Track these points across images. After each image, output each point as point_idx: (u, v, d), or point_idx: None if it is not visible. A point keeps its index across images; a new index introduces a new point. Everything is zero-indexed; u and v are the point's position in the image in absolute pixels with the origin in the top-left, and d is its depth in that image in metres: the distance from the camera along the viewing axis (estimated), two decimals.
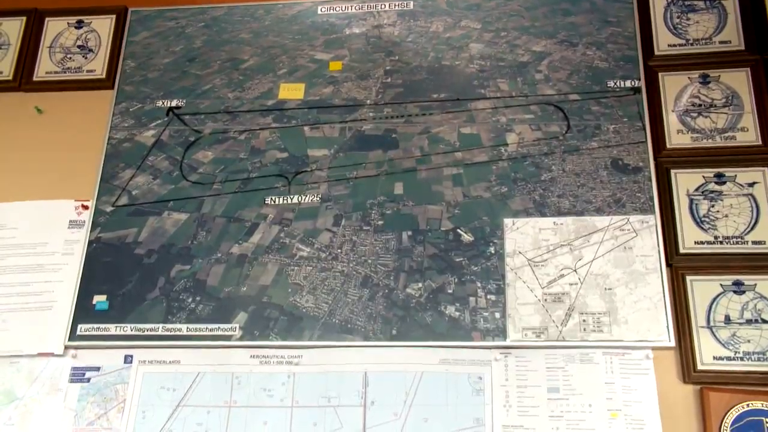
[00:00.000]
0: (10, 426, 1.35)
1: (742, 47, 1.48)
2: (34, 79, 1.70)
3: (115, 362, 1.38)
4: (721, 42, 1.50)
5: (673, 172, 1.40)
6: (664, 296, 1.29)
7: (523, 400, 1.26)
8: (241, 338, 1.36)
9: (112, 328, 1.40)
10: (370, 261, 1.40)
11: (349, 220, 1.44)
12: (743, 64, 1.47)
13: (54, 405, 1.35)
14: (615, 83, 1.50)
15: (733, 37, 1.49)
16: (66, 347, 1.40)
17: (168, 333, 1.38)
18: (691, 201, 1.37)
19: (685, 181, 1.38)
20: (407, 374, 1.30)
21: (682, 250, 1.33)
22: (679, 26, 1.52)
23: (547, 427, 1.24)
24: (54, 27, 1.76)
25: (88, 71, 1.69)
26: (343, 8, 1.69)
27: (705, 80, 1.47)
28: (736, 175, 1.38)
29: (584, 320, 1.30)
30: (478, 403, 1.27)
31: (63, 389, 1.36)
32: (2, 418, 1.36)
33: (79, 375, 1.37)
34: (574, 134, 1.47)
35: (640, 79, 1.50)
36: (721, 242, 1.33)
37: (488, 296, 1.34)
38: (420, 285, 1.36)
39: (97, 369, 1.37)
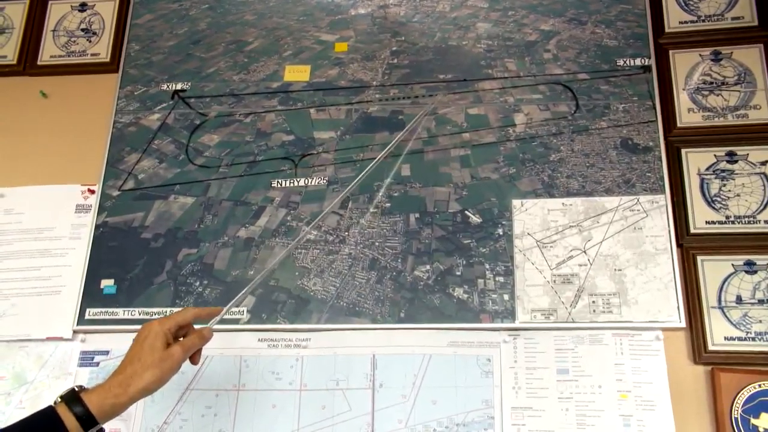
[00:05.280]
0: (20, 409, 1.35)
1: (755, 23, 1.45)
2: (39, 63, 1.70)
3: (124, 346, 1.32)
4: (733, 18, 1.47)
5: (683, 151, 1.38)
6: (674, 277, 1.28)
7: (532, 382, 1.26)
8: (248, 322, 1.36)
9: (120, 312, 1.40)
10: (377, 243, 1.39)
11: (356, 203, 1.43)
12: (756, 40, 1.44)
13: (63, 389, 1.35)
14: (625, 62, 1.48)
15: (745, 12, 1.46)
16: (75, 331, 1.40)
17: None
18: (702, 180, 1.35)
19: (696, 161, 1.37)
20: (415, 357, 1.30)
21: (692, 230, 1.32)
22: (691, 2, 1.50)
23: (556, 409, 1.23)
24: (57, 10, 1.75)
25: (92, 55, 1.68)
26: None
27: (717, 57, 1.44)
28: (748, 154, 1.36)
29: (594, 301, 1.29)
30: (487, 385, 1.27)
31: (72, 373, 1.37)
32: (13, 401, 1.37)
33: (88, 359, 1.38)
34: (583, 114, 1.45)
35: (650, 57, 1.47)
36: (732, 222, 1.31)
37: (497, 278, 1.33)
38: (428, 267, 1.36)
39: (106, 353, 1.38)
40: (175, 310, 1.37)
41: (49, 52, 1.70)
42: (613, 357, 1.25)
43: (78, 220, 1.51)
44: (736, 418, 1.18)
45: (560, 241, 1.34)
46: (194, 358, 1.10)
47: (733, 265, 1.28)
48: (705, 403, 1.22)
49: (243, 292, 1.25)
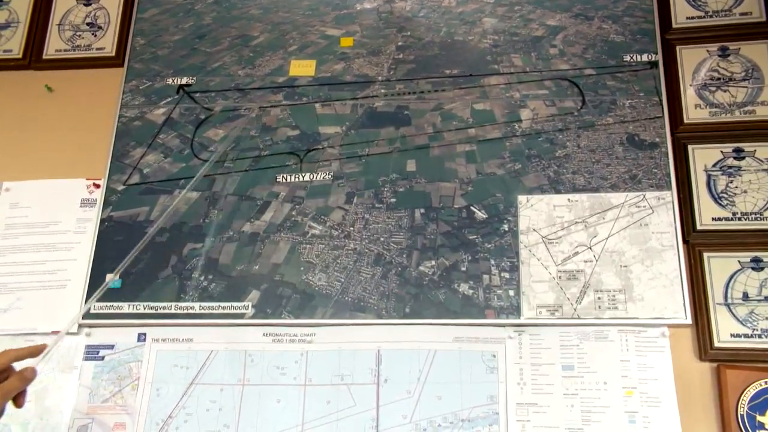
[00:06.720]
0: (26, 403, 1.35)
1: (763, 18, 1.44)
2: (44, 57, 1.69)
3: (129, 340, 1.38)
4: (741, 13, 1.46)
5: (690, 147, 1.37)
6: (680, 273, 1.28)
7: (537, 378, 1.26)
8: (253, 316, 1.36)
9: (125, 307, 1.40)
10: (382, 239, 1.39)
11: (362, 198, 1.43)
12: (764, 36, 1.43)
13: (69, 383, 1.36)
14: (631, 57, 1.47)
15: (753, 8, 1.46)
16: (80, 325, 1.40)
17: (181, 311, 1.38)
18: (709, 177, 1.34)
19: (703, 157, 1.36)
20: (420, 352, 1.30)
21: (699, 227, 1.31)
22: None
23: (561, 405, 1.23)
24: (63, 4, 1.75)
25: (97, 49, 1.68)
26: None
27: (724, 53, 1.44)
28: (755, 150, 1.35)
29: (599, 298, 1.28)
30: (492, 381, 1.27)
31: (78, 367, 1.37)
32: None
33: (93, 353, 1.38)
34: (589, 110, 1.44)
35: (657, 53, 1.47)
36: (739, 218, 1.31)
37: (502, 274, 1.33)
38: (433, 263, 1.35)
39: (111, 347, 1.38)
40: (180, 304, 1.38)
41: (54, 46, 1.70)
42: (619, 353, 1.25)
43: (83, 214, 1.51)
44: (741, 415, 1.17)
45: (566, 237, 1.34)
46: (18, 401, 1.07)
47: (739, 261, 1.28)
48: (711, 400, 1.22)
49: (76, 314, 1.29)
